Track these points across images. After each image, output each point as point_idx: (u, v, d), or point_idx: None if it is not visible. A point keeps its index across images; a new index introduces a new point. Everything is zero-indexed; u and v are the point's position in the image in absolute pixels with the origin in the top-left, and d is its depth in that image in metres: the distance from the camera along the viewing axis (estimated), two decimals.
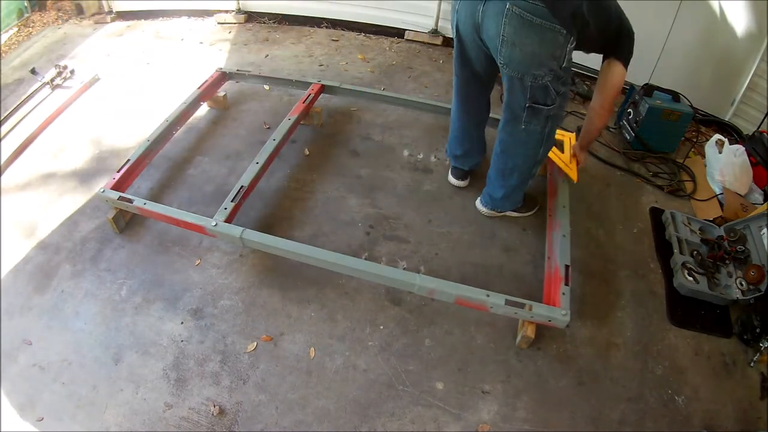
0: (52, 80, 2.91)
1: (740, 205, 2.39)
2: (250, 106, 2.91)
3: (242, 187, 2.09)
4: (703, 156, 2.71)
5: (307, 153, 2.58)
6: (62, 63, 3.05)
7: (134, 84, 3.07)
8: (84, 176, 2.43)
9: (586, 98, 3.17)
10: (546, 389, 1.76)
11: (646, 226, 2.38)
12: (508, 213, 2.30)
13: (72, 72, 3.03)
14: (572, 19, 1.57)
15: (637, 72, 3.09)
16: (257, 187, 2.22)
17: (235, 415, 1.64)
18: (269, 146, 2.28)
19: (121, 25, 3.73)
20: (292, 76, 2.98)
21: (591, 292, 2.06)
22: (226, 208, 1.99)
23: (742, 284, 2.02)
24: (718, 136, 2.67)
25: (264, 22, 3.80)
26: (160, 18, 3.81)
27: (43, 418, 1.61)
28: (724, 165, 2.51)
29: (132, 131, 2.61)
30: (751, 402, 1.79)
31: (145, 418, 1.62)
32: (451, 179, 2.46)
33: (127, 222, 2.18)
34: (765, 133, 2.71)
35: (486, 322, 1.91)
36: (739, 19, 2.83)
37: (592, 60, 3.33)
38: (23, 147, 2.56)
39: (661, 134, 2.75)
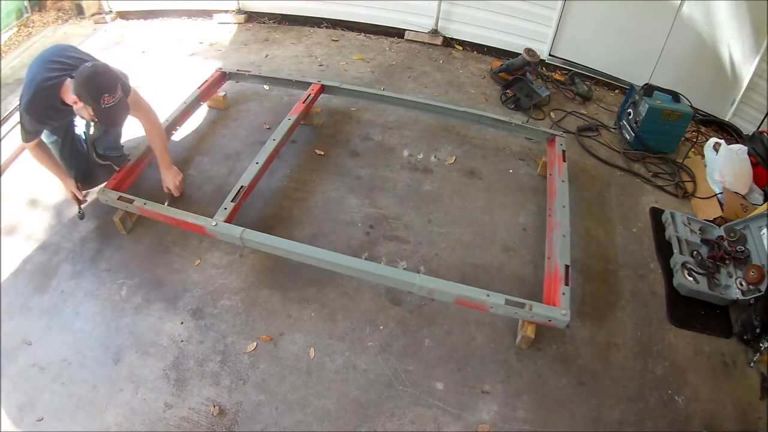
0: None
1: (740, 205, 2.39)
2: (250, 106, 2.91)
3: (242, 187, 2.09)
4: (703, 156, 2.71)
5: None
6: None
7: (134, 84, 3.05)
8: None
9: (586, 98, 3.17)
10: (546, 389, 1.76)
11: (646, 226, 2.38)
12: None
13: None
14: None
15: (637, 72, 3.11)
16: (257, 187, 2.22)
17: (235, 415, 1.64)
18: (269, 146, 2.28)
19: (120, 25, 3.73)
20: (292, 76, 2.98)
21: (591, 292, 2.06)
22: (226, 208, 1.99)
23: (742, 284, 2.02)
24: (714, 139, 2.68)
25: (264, 22, 3.80)
26: (160, 18, 3.81)
27: (43, 418, 1.61)
28: (723, 165, 2.51)
29: (132, 131, 2.60)
30: (751, 402, 1.80)
31: (145, 418, 1.62)
32: None
33: (134, 223, 2.17)
34: (765, 133, 2.71)
35: (486, 323, 1.91)
36: (739, 19, 2.83)
37: (592, 60, 3.36)
38: (23, 147, 2.55)
39: (661, 134, 2.75)
